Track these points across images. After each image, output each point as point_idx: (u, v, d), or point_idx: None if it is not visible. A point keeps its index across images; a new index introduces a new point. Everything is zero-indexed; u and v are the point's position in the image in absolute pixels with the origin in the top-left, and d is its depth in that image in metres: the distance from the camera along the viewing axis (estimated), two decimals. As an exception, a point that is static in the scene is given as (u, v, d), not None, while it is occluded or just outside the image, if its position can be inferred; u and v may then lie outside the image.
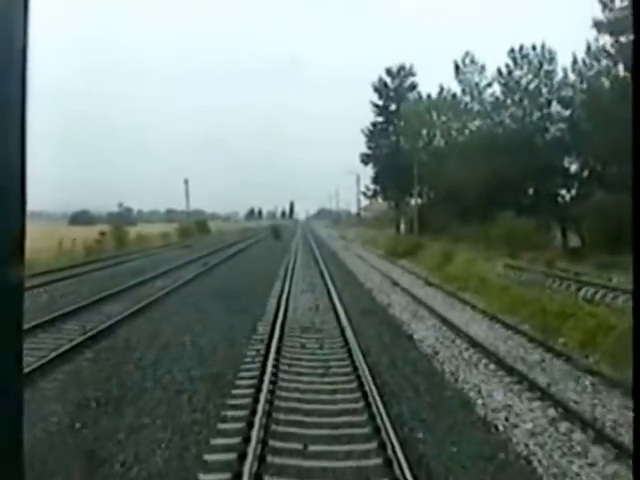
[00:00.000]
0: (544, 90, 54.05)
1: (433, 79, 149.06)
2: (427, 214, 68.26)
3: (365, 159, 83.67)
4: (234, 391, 11.26)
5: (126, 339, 15.65)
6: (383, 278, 31.68)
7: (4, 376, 1.31)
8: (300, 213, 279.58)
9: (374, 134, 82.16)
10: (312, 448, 8.55)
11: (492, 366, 13.66)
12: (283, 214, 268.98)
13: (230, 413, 9.96)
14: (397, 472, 7.44)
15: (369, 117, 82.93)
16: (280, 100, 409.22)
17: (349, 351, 14.08)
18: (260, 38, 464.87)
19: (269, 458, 8.01)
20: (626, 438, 9.00)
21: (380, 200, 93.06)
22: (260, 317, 18.92)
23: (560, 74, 53.27)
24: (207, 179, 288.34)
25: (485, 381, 12.52)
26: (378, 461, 8.04)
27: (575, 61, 49.35)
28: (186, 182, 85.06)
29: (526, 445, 9.08)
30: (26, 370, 12.40)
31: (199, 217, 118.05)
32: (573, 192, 53.38)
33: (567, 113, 52.65)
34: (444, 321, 18.78)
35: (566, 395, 11.45)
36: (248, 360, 13.57)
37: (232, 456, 7.93)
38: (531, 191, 54.62)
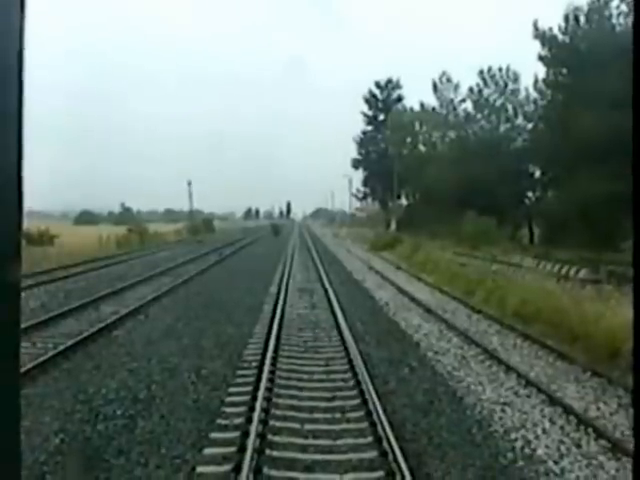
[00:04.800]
0: (509, 106, 61.79)
1: (415, 90, 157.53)
2: (411, 213, 75.55)
3: (356, 164, 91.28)
4: (262, 312, 19.60)
5: (186, 294, 23.71)
6: (363, 264, 39.73)
7: (1, 375, 1.29)
8: (297, 213, 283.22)
9: (364, 141, 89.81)
10: (305, 330, 16.65)
11: (420, 310, 21.25)
12: (280, 214, 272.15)
13: (262, 318, 18.29)
14: (345, 335, 15.57)
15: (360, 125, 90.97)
16: (278, 103, 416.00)
17: (329, 300, 22.11)
18: (258, 47, 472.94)
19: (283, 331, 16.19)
20: (477, 335, 16.95)
21: (370, 201, 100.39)
22: (269, 284, 27.12)
23: (523, 92, 61.00)
24: (204, 180, 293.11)
25: (412, 316, 20.12)
26: (335, 333, 16.31)
27: (536, 80, 54.95)
28: (189, 183, 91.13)
29: (419, 338, 16.84)
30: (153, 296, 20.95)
31: (199, 217, 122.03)
32: (538, 194, 60.98)
33: (530, 126, 60.04)
34: (400, 289, 26.30)
35: (457, 322, 18.93)
36: (266, 302, 21.69)
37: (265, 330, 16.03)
38: (501, 193, 59.66)
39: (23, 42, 1.32)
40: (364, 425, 9.35)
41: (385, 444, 8.40)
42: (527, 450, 8.84)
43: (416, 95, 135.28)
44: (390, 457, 7.99)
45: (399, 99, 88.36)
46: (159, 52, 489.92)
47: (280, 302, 21.00)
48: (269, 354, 13.30)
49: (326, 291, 24.59)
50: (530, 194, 61.46)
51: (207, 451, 8.39)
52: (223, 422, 9.47)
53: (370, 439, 8.79)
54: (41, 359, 12.63)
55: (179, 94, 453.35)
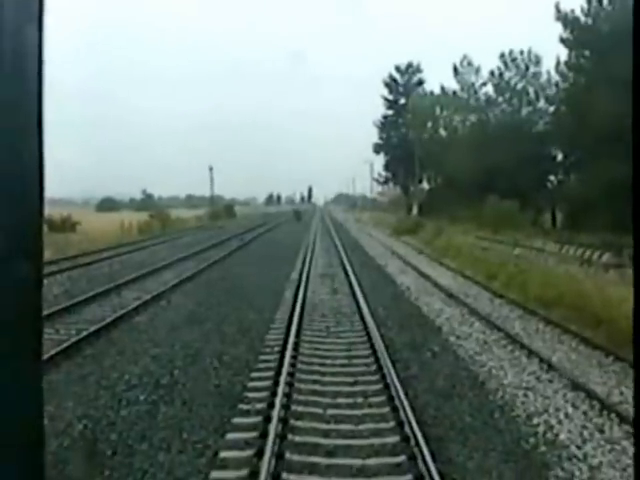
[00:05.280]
0: (531, 89, 61.40)
1: (435, 75, 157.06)
2: (433, 198, 75.37)
3: (377, 149, 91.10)
4: (283, 298, 19.67)
5: (207, 280, 23.84)
6: (385, 249, 39.67)
7: (24, 361, 1.29)
8: (319, 198, 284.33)
9: (385, 126, 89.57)
10: (327, 315, 16.68)
11: (442, 295, 21.23)
12: (302, 199, 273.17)
13: (283, 303, 18.25)
14: (367, 319, 15.59)
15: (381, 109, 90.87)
16: (296, 93, 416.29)
17: (350, 285, 22.13)
18: (269, 38, 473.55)
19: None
20: (499, 320, 16.87)
21: (392, 186, 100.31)
22: (291, 269, 27.25)
23: (545, 75, 60.52)
24: (226, 165, 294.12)
25: (434, 301, 20.13)
26: (357, 318, 16.33)
27: (558, 63, 54.58)
28: (211, 169, 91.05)
29: (441, 323, 16.83)
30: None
31: (220, 203, 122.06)
32: (560, 177, 60.43)
33: (552, 109, 59.52)
34: (422, 274, 26.28)
35: (479, 306, 18.93)
36: (288, 287, 21.77)
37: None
38: (523, 177, 58.63)
39: (42, 40, 1.31)
40: (386, 410, 9.37)
41: (407, 429, 8.41)
42: (549, 435, 8.82)
43: (437, 79, 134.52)
44: (412, 442, 8.00)
45: (420, 83, 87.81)
46: (174, 50, 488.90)
47: (302, 287, 21.06)
48: (291, 339, 13.36)
49: (348, 276, 24.57)
50: (552, 178, 61.08)
51: (229, 436, 8.44)
52: (245, 407, 9.52)
53: (392, 424, 8.80)
54: (64, 345, 12.75)
55: (196, 89, 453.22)
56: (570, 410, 9.86)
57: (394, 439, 8.30)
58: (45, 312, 14.21)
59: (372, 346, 13.13)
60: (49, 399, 9.11)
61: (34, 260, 1.32)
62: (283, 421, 8.67)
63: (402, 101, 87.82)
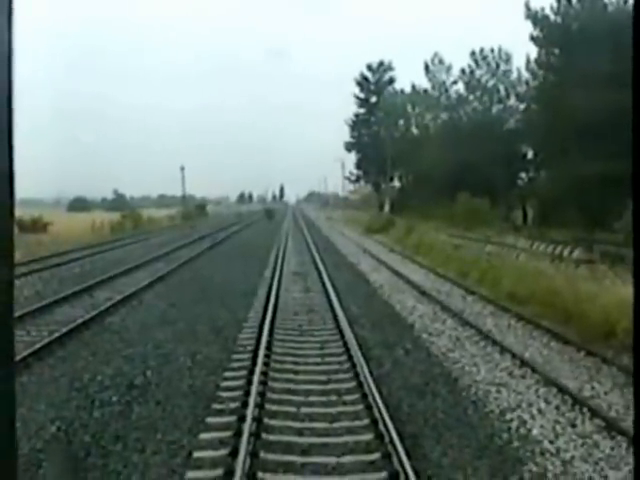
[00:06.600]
0: (501, 87, 61.81)
1: (406, 73, 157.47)
2: (405, 196, 75.59)
3: (349, 147, 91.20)
4: (256, 297, 19.60)
5: (180, 279, 23.70)
6: (357, 247, 39.76)
7: None
8: (290, 196, 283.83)
9: (357, 124, 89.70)
10: (300, 313, 16.69)
11: (415, 292, 21.33)
12: (274, 197, 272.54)
13: (256, 302, 18.19)
14: (340, 318, 15.61)
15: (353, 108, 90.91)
16: (266, 91, 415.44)
17: (323, 283, 22.13)
18: (247, 34, 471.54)
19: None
20: (471, 317, 16.99)
21: (363, 184, 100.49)
22: (264, 267, 27.32)
23: (515, 73, 60.91)
24: (197, 165, 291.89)
25: (406, 298, 20.17)
26: (330, 316, 16.35)
27: (528, 61, 54.09)
28: (182, 169, 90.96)
29: (414, 320, 16.89)
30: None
31: (192, 202, 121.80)
32: (530, 174, 60.83)
33: (522, 107, 59.85)
34: (395, 272, 26.34)
35: (451, 303, 18.97)
36: (261, 286, 21.74)
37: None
38: (494, 174, 58.43)
39: (12, 36, 1.31)
40: (360, 407, 9.38)
41: (381, 426, 8.42)
42: (522, 430, 8.87)
43: (408, 77, 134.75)
44: (386, 439, 8.01)
45: (391, 81, 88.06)
46: (151, 47, 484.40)
47: (274, 286, 20.98)
48: (264, 338, 13.30)
49: (320, 274, 24.57)
50: (523, 175, 61.44)
51: (203, 436, 8.40)
52: (219, 407, 9.49)
53: (366, 421, 8.81)
54: (36, 347, 12.64)
55: (173, 88, 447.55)
56: (543, 405, 9.93)
57: (368, 436, 8.31)
58: (16, 314, 14.07)
59: (345, 344, 13.14)
60: (21, 401, 9.04)
61: (5, 261, 1.32)
62: (257, 420, 8.65)
63: (374, 99, 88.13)
